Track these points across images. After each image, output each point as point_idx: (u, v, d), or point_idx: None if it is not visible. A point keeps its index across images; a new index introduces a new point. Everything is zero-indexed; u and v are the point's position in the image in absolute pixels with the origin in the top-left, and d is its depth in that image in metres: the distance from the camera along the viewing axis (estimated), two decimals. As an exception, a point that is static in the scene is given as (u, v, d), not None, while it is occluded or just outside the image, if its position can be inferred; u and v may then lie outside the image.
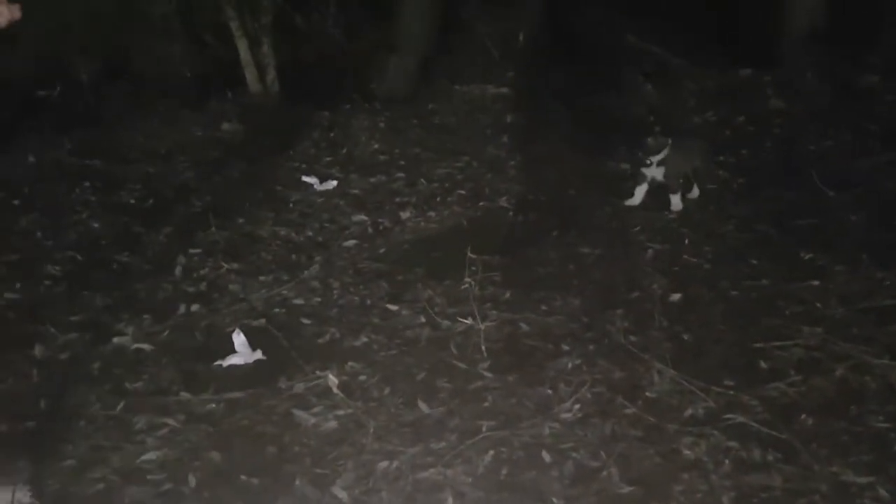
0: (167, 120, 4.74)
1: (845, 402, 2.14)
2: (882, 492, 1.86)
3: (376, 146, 4.38)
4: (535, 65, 5.45)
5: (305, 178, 3.92)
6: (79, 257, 3.09)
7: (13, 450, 2.00)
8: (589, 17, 5.45)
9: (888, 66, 4.70)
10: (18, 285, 2.86)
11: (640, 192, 3.45)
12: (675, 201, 3.39)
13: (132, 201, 3.67)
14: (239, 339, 2.39)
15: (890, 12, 4.95)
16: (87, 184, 3.84)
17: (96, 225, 3.39)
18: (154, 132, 4.59)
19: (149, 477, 1.92)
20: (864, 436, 2.03)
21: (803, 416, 2.09)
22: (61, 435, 2.08)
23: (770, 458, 1.96)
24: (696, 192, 3.51)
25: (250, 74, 5.37)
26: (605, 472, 1.93)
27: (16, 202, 3.66)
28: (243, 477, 1.90)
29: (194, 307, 2.69)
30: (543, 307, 2.66)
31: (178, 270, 2.95)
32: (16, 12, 1.83)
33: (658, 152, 3.36)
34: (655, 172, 3.39)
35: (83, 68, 5.29)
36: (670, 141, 3.38)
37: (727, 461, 1.95)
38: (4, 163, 4.16)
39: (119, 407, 2.14)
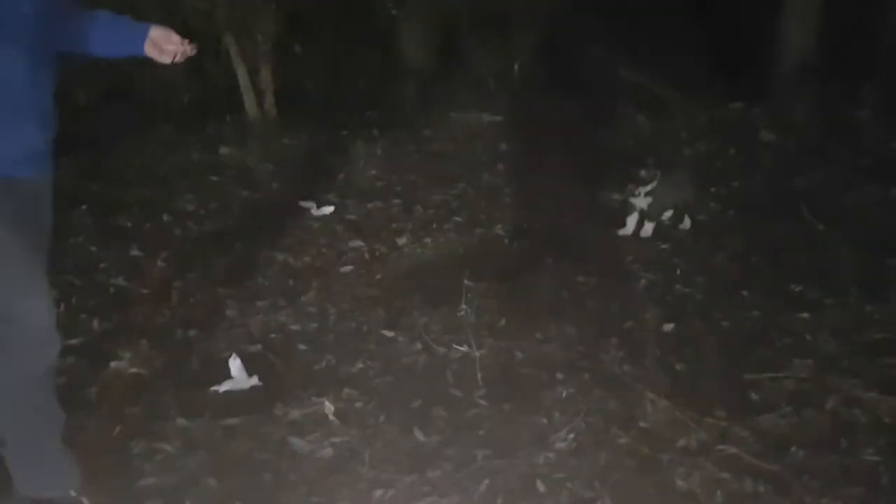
0: (166, 144, 4.78)
1: (836, 436, 2.17)
2: (872, 525, 1.89)
3: (373, 172, 4.42)
4: (529, 95, 5.55)
5: (303, 204, 3.96)
6: (76, 281, 3.10)
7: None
8: (582, 49, 5.54)
9: (878, 101, 4.79)
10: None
11: (632, 221, 3.51)
12: (648, 228, 3.45)
13: (129, 225, 3.69)
14: (235, 364, 2.40)
15: (880, 48, 5.07)
16: (84, 207, 3.86)
17: (93, 248, 3.41)
18: (152, 156, 4.62)
19: (146, 503, 1.93)
20: (855, 469, 2.06)
21: (794, 448, 2.12)
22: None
23: (762, 489, 1.98)
24: (687, 223, 3.57)
25: (248, 100, 5.43)
26: (599, 503, 1.95)
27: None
28: (243, 498, 1.91)
29: (191, 332, 2.70)
30: (538, 335, 2.68)
31: (174, 296, 2.97)
32: (189, 49, 1.88)
33: (648, 183, 3.42)
34: (644, 203, 3.45)
35: (81, 92, 5.36)
36: (659, 173, 3.45)
37: (719, 492, 1.97)
38: None
39: (116, 432, 2.15)
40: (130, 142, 4.77)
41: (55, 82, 1.81)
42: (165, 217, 3.76)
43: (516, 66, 5.90)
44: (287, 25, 5.43)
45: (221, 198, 4.07)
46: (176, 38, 1.84)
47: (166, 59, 1.86)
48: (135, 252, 3.36)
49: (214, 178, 4.34)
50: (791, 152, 4.41)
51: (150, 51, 1.84)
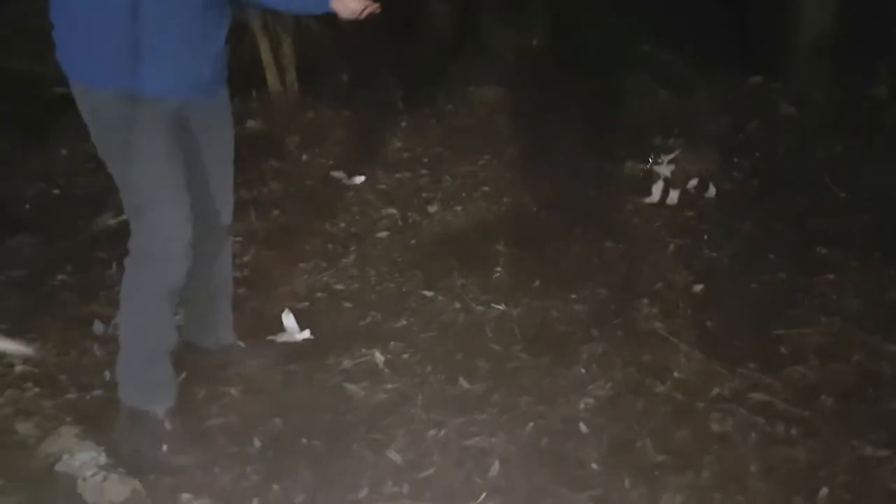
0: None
1: (862, 385, 2.29)
2: (899, 464, 2.00)
3: (399, 145, 4.51)
4: (550, 70, 5.62)
5: (334, 174, 4.06)
6: (124, 243, 3.21)
7: (83, 416, 2.13)
8: (603, 25, 5.60)
9: (898, 76, 4.86)
10: (69, 268, 3.00)
11: (657, 190, 3.60)
12: (674, 196, 3.54)
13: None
14: (288, 318, 2.52)
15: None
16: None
17: (137, 215, 3.52)
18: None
19: (214, 440, 2.05)
20: (882, 415, 2.17)
21: (823, 396, 2.23)
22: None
23: (794, 433, 2.10)
24: (712, 192, 3.66)
25: (271, 75, 5.52)
26: (639, 443, 2.07)
27: (56, 192, 3.80)
28: (304, 440, 2.04)
29: (240, 290, 2.82)
30: (572, 295, 2.79)
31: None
32: (375, 7, 1.94)
33: (672, 152, 3.52)
34: (669, 172, 3.55)
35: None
36: (683, 141, 3.55)
37: (753, 435, 2.09)
38: (39, 156, 4.29)
39: (181, 377, 2.27)
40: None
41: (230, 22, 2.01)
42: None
43: (535, 42, 5.95)
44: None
45: (254, 168, 4.17)
46: None
47: (351, 16, 1.92)
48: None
49: (244, 149, 4.43)
50: (811, 125, 4.48)
51: (336, 5, 1.91)
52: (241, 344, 2.36)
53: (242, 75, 5.43)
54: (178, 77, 1.90)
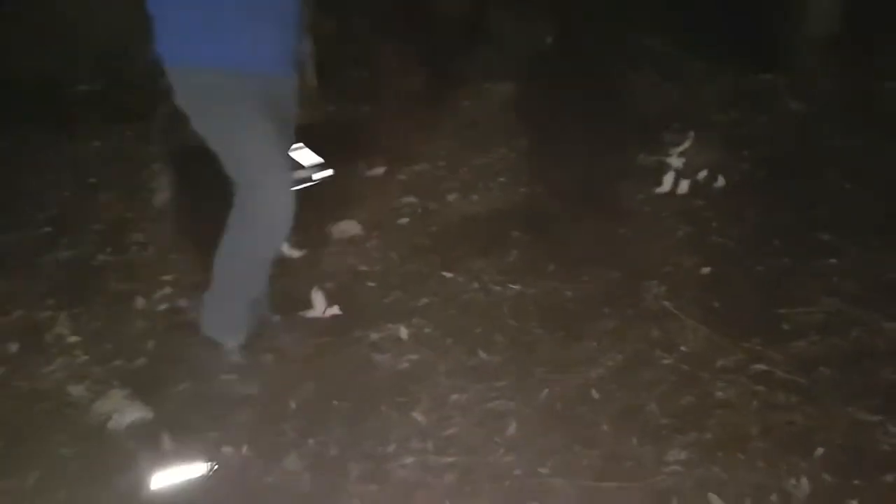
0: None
1: (859, 357, 2.41)
2: (891, 428, 2.13)
3: (417, 138, 4.67)
4: (562, 65, 5.76)
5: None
6: (160, 227, 3.40)
7: (130, 381, 2.31)
8: (614, 21, 5.73)
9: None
10: (108, 249, 3.18)
11: (668, 180, 3.74)
12: (683, 186, 3.68)
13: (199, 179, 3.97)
14: (317, 295, 2.69)
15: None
16: (154, 165, 4.15)
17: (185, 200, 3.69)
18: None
19: (252, 403, 2.22)
20: (876, 384, 2.30)
21: (822, 367, 2.37)
22: (168, 372, 2.38)
23: (793, 399, 2.23)
24: (721, 182, 3.79)
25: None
26: (647, 408, 2.21)
27: (92, 180, 3.98)
28: (335, 402, 2.20)
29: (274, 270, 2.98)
30: (584, 277, 2.93)
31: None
32: None
33: (681, 144, 3.66)
34: (679, 163, 3.68)
35: (125, 66, 5.65)
36: (693, 134, 3.69)
37: (755, 402, 2.23)
38: (72, 148, 4.48)
39: (217, 350, 2.44)
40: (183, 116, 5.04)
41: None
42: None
43: (548, 39, 6.09)
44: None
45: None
46: None
47: None
48: (208, 205, 3.63)
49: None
50: (817, 119, 4.59)
51: None
52: (276, 317, 2.53)
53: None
54: (279, 52, 2.08)
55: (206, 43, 2.00)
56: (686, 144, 3.68)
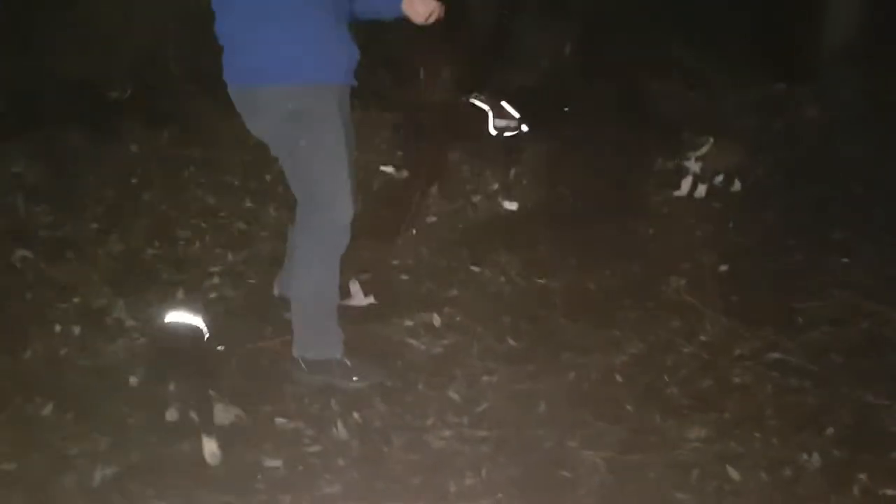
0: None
1: (868, 347, 2.56)
2: (897, 410, 2.27)
3: (441, 143, 4.84)
4: (583, 74, 5.92)
5: (383, 168, 4.40)
6: (203, 224, 3.58)
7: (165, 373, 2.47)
8: (638, 31, 5.90)
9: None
10: (156, 243, 3.37)
11: (686, 183, 3.89)
12: (702, 189, 3.82)
13: (236, 183, 4.16)
14: (354, 286, 2.85)
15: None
16: (192, 168, 4.34)
17: (212, 200, 3.88)
18: (241, 127, 5.07)
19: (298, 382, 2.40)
20: (884, 371, 2.44)
21: (833, 355, 2.51)
22: (221, 353, 2.54)
23: (805, 384, 2.38)
24: (738, 186, 3.93)
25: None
26: (668, 391, 2.37)
27: (133, 181, 4.18)
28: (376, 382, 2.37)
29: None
30: (607, 272, 3.09)
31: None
32: (440, 10, 2.19)
33: (700, 148, 3.81)
34: (697, 167, 3.84)
35: (159, 71, 5.87)
36: (711, 140, 3.84)
37: (769, 386, 2.38)
38: (110, 151, 4.68)
39: (268, 331, 2.62)
40: (214, 117, 5.23)
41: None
42: (267, 176, 4.23)
43: (568, 48, 6.25)
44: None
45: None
46: (431, 1, 2.16)
47: (421, 20, 2.18)
48: (248, 203, 3.83)
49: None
50: (832, 127, 4.73)
51: (407, 9, 2.17)
52: None
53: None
54: (348, 65, 2.19)
55: (264, 61, 2.10)
56: (705, 150, 3.83)
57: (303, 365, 2.39)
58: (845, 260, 3.13)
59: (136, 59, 5.63)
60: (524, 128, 3.77)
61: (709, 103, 5.19)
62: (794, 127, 4.83)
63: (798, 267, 3.10)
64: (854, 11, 5.48)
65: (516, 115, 3.78)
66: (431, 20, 2.19)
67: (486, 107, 3.81)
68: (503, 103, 3.77)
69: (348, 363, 2.37)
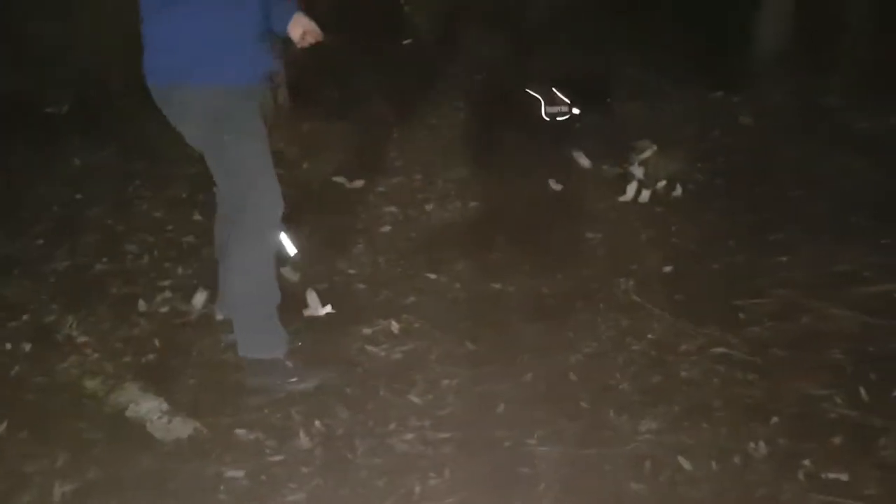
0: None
1: (808, 341, 2.68)
2: (838, 400, 2.39)
3: (393, 153, 4.89)
4: (528, 85, 6.05)
5: (335, 179, 4.42)
6: (150, 238, 3.55)
7: (142, 375, 2.46)
8: (576, 44, 6.06)
9: (846, 87, 5.37)
10: (104, 259, 3.32)
11: (631, 189, 4.01)
12: (646, 195, 3.96)
13: (184, 195, 4.12)
14: (312, 296, 2.87)
15: (848, 38, 5.66)
16: (137, 182, 4.29)
17: (159, 214, 3.84)
18: (185, 141, 5.03)
19: (259, 392, 2.39)
20: (824, 364, 2.56)
21: (775, 349, 2.63)
22: (178, 366, 2.54)
23: (750, 377, 2.49)
24: (679, 191, 4.07)
25: (264, 93, 5.88)
26: (620, 387, 2.45)
27: (78, 196, 4.10)
28: (337, 388, 2.39)
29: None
30: (559, 276, 3.17)
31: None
32: (318, 35, 2.25)
33: (643, 152, 3.96)
34: (641, 173, 3.97)
35: (100, 85, 5.78)
36: (654, 147, 3.99)
37: (715, 379, 2.48)
38: (53, 167, 4.59)
39: (222, 344, 2.61)
40: (162, 131, 5.18)
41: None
42: (215, 189, 4.19)
43: (516, 57, 6.37)
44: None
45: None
46: (309, 23, 2.23)
47: (296, 39, 2.25)
48: (197, 217, 3.80)
49: (249, 159, 4.78)
50: (768, 132, 4.94)
51: (290, 29, 2.24)
52: None
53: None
54: (261, 66, 2.26)
55: (190, 61, 2.17)
56: (648, 156, 3.97)
57: (246, 366, 2.41)
58: (784, 258, 3.27)
59: (78, 74, 5.55)
60: (575, 111, 4.01)
61: (651, 112, 5.36)
62: (732, 133, 5.02)
63: (739, 266, 3.23)
64: (785, 20, 5.74)
65: (567, 101, 3.98)
66: (308, 42, 2.27)
67: (537, 95, 3.99)
68: (554, 90, 3.98)
69: (290, 364, 2.39)
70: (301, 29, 2.23)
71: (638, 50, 5.87)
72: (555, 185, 4.15)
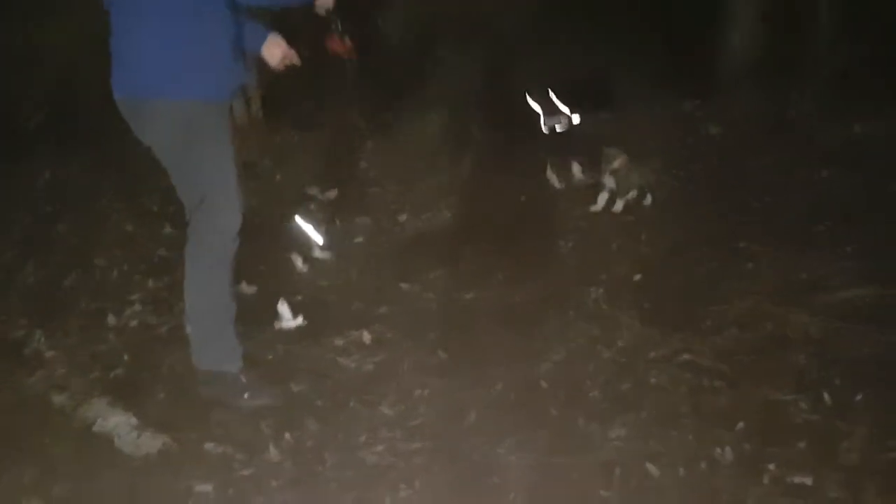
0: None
1: (773, 347, 2.72)
2: (802, 405, 2.43)
3: (365, 164, 4.91)
4: (500, 96, 6.10)
5: (308, 190, 4.41)
6: (120, 251, 3.52)
7: (110, 390, 2.44)
8: (548, 56, 6.12)
9: (808, 99, 5.48)
10: (73, 273, 3.29)
11: (602, 199, 4.06)
12: (619, 205, 4.01)
13: (155, 208, 4.10)
14: (283, 307, 2.87)
15: (811, 51, 5.80)
16: (108, 195, 4.26)
17: (130, 227, 3.82)
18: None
19: (228, 406, 2.38)
20: (789, 370, 2.60)
21: (740, 355, 2.67)
22: (146, 380, 2.52)
23: (716, 383, 2.52)
24: (649, 200, 4.13)
25: (236, 106, 5.88)
26: (590, 395, 2.47)
27: (48, 209, 4.07)
28: (307, 401, 2.40)
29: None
30: (530, 285, 3.20)
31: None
32: (294, 57, 2.30)
33: (614, 161, 4.01)
34: (612, 184, 4.02)
35: (70, 99, 5.74)
36: (625, 157, 4.04)
37: (683, 386, 2.51)
38: (22, 180, 4.54)
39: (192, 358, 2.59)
40: (134, 145, 5.15)
41: None
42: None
43: (488, 70, 6.42)
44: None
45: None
46: (285, 47, 2.28)
47: (274, 63, 2.30)
48: (168, 229, 3.78)
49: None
50: (734, 143, 5.03)
51: (265, 52, 2.29)
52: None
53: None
54: (230, 81, 2.28)
55: (159, 75, 2.19)
56: (618, 166, 4.02)
57: (199, 376, 2.41)
58: (749, 266, 3.33)
59: (47, 86, 5.50)
60: (575, 120, 4.03)
61: (621, 122, 5.44)
62: (700, 142, 5.10)
63: (706, 275, 3.28)
64: (752, 31, 5.86)
65: (566, 110, 4.00)
66: (282, 66, 2.33)
67: (537, 106, 3.99)
68: (554, 99, 4.01)
69: (243, 379, 2.39)
70: (279, 53, 2.26)
71: (608, 61, 5.96)
72: (526, 195, 4.20)
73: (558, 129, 4.00)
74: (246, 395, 2.37)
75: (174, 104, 2.19)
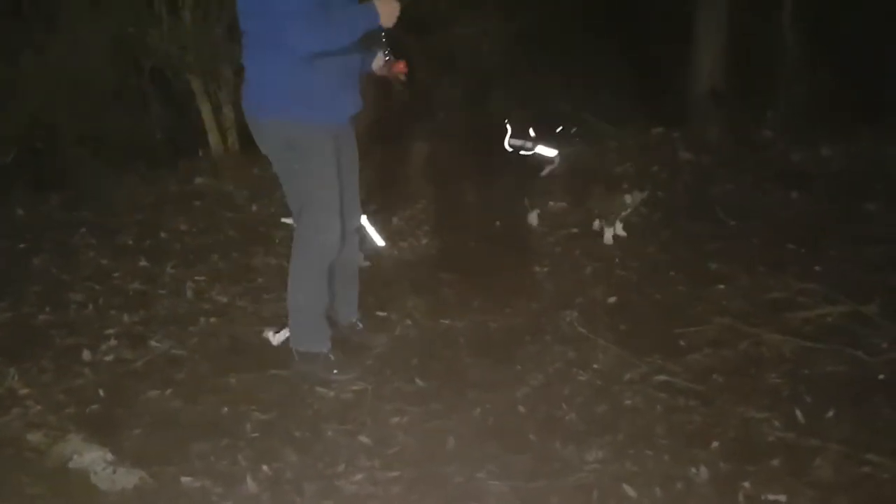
0: (144, 179, 5.15)
1: (747, 366, 2.77)
2: (776, 423, 2.46)
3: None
4: (477, 125, 6.18)
5: (284, 220, 4.42)
6: (96, 286, 3.50)
7: (86, 426, 2.42)
8: (523, 87, 6.23)
9: (779, 121, 5.61)
10: (48, 308, 3.27)
11: (593, 225, 4.12)
12: (608, 236, 4.06)
13: (131, 242, 4.09)
14: (272, 335, 2.88)
15: (779, 75, 5.95)
16: (83, 230, 4.24)
17: (105, 262, 3.80)
18: (134, 188, 5.01)
19: (204, 438, 2.37)
20: (762, 387, 2.65)
21: (715, 375, 2.71)
22: (122, 416, 2.50)
23: (691, 403, 2.55)
24: (619, 227, 4.18)
25: (213, 136, 5.90)
26: (567, 418, 2.49)
27: (22, 246, 4.04)
28: (285, 431, 2.39)
29: (212, 319, 3.15)
30: (507, 310, 3.23)
31: (189, 293, 3.41)
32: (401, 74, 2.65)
33: (591, 192, 4.07)
34: (595, 209, 4.09)
35: (45, 137, 5.73)
36: (598, 183, 4.11)
37: (658, 407, 2.54)
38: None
39: (168, 392, 2.59)
40: (111, 177, 5.15)
41: None
42: (163, 234, 4.18)
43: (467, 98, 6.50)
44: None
45: (208, 218, 4.51)
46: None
47: (390, 22, 2.50)
48: (143, 263, 3.77)
49: (197, 203, 4.76)
50: (706, 167, 5.12)
51: (383, 18, 2.48)
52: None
53: (190, 137, 5.85)
54: (342, 110, 2.61)
55: (269, 99, 2.52)
56: (595, 192, 4.08)
57: (295, 356, 2.75)
58: (722, 287, 3.39)
59: (22, 123, 5.49)
60: (540, 149, 4.09)
61: (594, 149, 5.52)
62: (672, 168, 5.19)
63: (679, 296, 3.33)
64: (719, 59, 6.00)
65: (532, 134, 4.10)
66: (390, 74, 2.70)
67: (508, 126, 4.12)
68: (530, 130, 4.13)
69: (332, 358, 2.74)
70: (387, 7, 2.47)
71: (580, 90, 6.07)
72: (501, 221, 4.25)
73: (521, 152, 4.10)
74: (335, 372, 2.71)
75: (279, 125, 2.52)
